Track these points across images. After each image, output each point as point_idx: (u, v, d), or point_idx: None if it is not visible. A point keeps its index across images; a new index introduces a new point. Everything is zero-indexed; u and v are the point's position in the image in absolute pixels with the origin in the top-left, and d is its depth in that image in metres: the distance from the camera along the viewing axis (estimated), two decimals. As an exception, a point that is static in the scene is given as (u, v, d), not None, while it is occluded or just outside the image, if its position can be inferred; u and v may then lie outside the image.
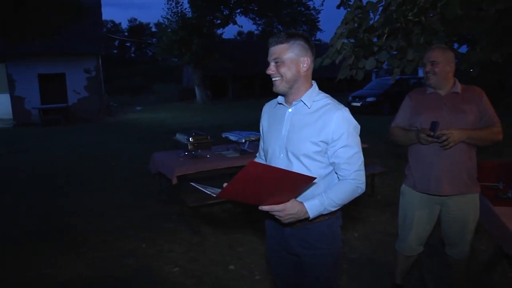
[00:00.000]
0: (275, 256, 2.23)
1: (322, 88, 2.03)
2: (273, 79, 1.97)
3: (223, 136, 5.49)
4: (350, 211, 5.11)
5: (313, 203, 1.85)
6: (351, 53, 4.54)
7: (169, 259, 4.12)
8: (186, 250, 4.30)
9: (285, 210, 1.79)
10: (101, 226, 5.04)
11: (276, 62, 1.94)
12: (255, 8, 27.11)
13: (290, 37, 1.92)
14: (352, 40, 4.59)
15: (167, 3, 24.27)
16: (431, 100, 2.81)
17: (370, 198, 5.78)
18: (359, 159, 1.93)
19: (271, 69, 1.96)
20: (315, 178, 1.74)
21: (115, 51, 57.80)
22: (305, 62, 1.94)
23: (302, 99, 1.97)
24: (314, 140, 1.91)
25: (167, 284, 3.65)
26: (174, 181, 4.60)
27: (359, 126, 1.98)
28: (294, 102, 2.00)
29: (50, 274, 3.87)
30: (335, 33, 4.68)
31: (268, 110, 2.20)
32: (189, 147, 5.03)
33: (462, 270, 2.98)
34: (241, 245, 4.39)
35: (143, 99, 29.33)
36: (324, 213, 1.90)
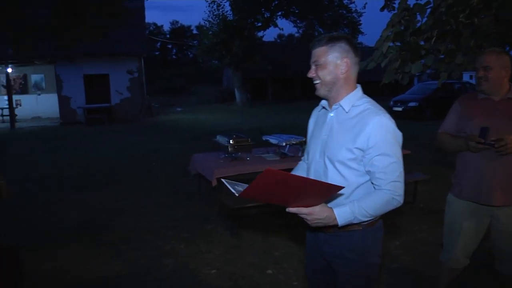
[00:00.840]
0: (311, 261, 2.19)
1: (363, 91, 1.96)
2: (314, 82, 1.94)
3: (264, 139, 5.47)
4: (391, 219, 4.97)
5: (343, 210, 1.78)
6: (397, 56, 4.42)
7: (206, 260, 4.12)
8: (223, 252, 4.30)
9: (313, 214, 1.74)
10: (141, 225, 5.12)
11: (316, 65, 1.91)
12: (296, 11, 27.00)
13: (330, 39, 1.88)
14: (398, 43, 4.47)
15: (209, 6, 24.66)
16: (483, 106, 2.67)
17: (412, 205, 5.60)
18: (397, 169, 1.82)
19: (312, 72, 1.93)
20: (342, 187, 1.66)
21: (157, 53, 59.25)
22: (344, 64, 1.88)
23: (341, 103, 1.92)
24: (349, 146, 1.84)
25: (204, 285, 3.65)
26: (214, 183, 4.61)
27: (400, 134, 1.88)
28: (334, 106, 1.96)
29: (88, 269, 3.97)
30: (381, 36, 4.58)
31: (315, 114, 2.18)
32: (229, 149, 5.03)
33: (512, 287, 2.83)
34: (278, 249, 4.34)
35: (183, 100, 29.82)
36: (355, 222, 1.82)
